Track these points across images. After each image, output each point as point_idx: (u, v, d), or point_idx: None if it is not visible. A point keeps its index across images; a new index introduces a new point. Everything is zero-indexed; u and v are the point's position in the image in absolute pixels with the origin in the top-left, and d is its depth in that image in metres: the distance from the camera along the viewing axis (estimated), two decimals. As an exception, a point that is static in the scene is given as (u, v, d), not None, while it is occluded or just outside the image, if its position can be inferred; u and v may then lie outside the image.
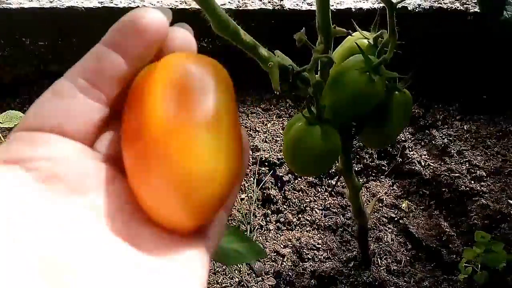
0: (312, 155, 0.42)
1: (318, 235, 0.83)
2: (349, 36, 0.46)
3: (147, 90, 0.21)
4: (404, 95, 0.46)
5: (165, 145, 0.20)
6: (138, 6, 0.87)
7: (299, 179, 0.88)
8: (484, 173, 0.85)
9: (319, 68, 0.45)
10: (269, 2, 0.85)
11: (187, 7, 0.85)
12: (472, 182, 0.85)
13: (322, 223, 0.83)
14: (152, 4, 0.87)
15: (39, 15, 0.87)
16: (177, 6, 0.86)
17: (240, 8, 0.85)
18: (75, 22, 0.88)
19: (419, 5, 0.85)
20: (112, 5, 0.87)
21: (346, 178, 0.57)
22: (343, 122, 0.46)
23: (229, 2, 0.85)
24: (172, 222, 0.20)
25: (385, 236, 0.82)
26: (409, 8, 0.85)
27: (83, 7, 0.86)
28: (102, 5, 0.87)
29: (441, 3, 0.86)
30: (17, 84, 0.98)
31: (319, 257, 0.79)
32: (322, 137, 0.41)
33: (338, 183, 0.87)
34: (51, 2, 0.87)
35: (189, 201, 0.20)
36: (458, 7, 0.86)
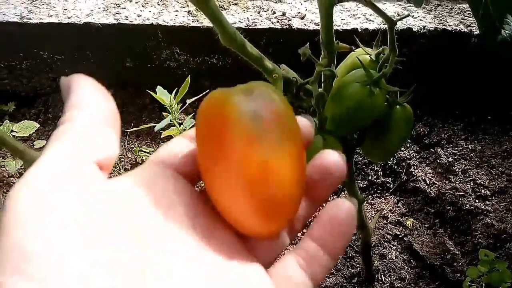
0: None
1: (322, 250, 0.83)
2: (352, 52, 0.48)
3: (225, 121, 0.24)
4: (404, 109, 0.47)
5: (250, 168, 0.23)
6: (152, 24, 0.91)
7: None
8: (488, 192, 0.86)
9: (322, 81, 0.47)
10: (278, 22, 0.88)
11: (198, 25, 0.88)
12: (477, 201, 0.85)
13: (326, 239, 0.84)
14: (166, 22, 0.91)
15: (57, 30, 0.91)
16: (189, 24, 0.89)
17: (249, 27, 0.88)
18: (91, 37, 0.92)
19: (424, 26, 0.88)
20: (127, 21, 0.90)
21: (349, 191, 0.58)
22: (345, 134, 0.47)
23: (239, 21, 0.88)
24: (256, 232, 0.25)
25: (390, 253, 0.82)
26: (414, 30, 0.87)
27: (100, 23, 0.90)
28: (117, 22, 0.90)
29: (445, 25, 0.88)
30: (34, 95, 1.01)
31: (323, 272, 0.80)
32: (324, 147, 0.42)
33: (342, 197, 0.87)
34: (69, 18, 0.91)
35: (270, 218, 0.24)
36: (462, 29, 0.88)
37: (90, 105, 0.22)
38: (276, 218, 0.24)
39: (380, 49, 0.47)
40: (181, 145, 0.26)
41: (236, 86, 0.25)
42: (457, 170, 0.90)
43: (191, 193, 0.24)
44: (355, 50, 0.47)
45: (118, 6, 0.94)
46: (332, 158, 0.25)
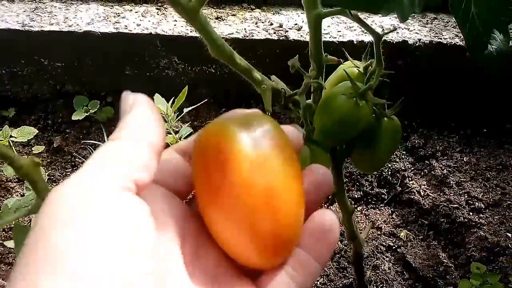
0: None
1: (316, 260, 0.83)
2: (342, 65, 0.49)
3: (224, 151, 0.24)
4: (392, 121, 0.48)
5: (249, 201, 0.23)
6: (150, 33, 0.92)
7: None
8: (483, 205, 0.86)
9: (311, 93, 0.48)
10: (275, 33, 0.89)
11: (196, 35, 0.90)
12: (471, 213, 0.85)
13: (319, 249, 0.84)
14: (164, 31, 0.92)
15: (58, 38, 0.93)
16: (187, 33, 0.91)
17: (247, 38, 0.89)
18: (91, 45, 0.93)
19: (420, 39, 0.89)
20: (126, 31, 0.92)
21: (339, 201, 0.58)
22: (333, 144, 0.48)
23: (237, 31, 0.90)
24: (255, 264, 0.25)
25: (383, 265, 0.82)
26: (409, 42, 0.88)
27: (100, 32, 0.92)
28: (117, 31, 0.92)
29: (441, 38, 0.89)
30: (34, 101, 1.03)
31: (315, 282, 0.80)
32: (310, 158, 0.43)
33: (334, 208, 0.88)
34: (69, 26, 0.93)
35: (270, 249, 0.24)
36: (457, 42, 0.89)
37: (140, 129, 0.24)
38: (283, 250, 0.25)
39: (368, 62, 0.47)
40: (172, 161, 0.27)
41: (232, 117, 0.26)
42: (451, 182, 0.90)
43: (183, 213, 0.25)
44: (344, 63, 0.48)
45: (118, 16, 0.96)
46: (321, 172, 0.27)
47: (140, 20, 0.95)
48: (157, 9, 0.99)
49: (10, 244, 0.77)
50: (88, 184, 0.21)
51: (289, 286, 0.25)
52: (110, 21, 0.94)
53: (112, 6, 0.99)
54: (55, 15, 0.96)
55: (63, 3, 1.00)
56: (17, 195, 0.88)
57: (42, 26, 0.93)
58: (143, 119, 0.24)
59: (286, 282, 0.25)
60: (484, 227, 0.83)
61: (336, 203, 0.88)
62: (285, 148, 0.25)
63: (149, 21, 0.95)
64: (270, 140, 0.24)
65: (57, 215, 0.19)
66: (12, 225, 0.83)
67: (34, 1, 1.01)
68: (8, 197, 0.87)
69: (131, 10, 0.98)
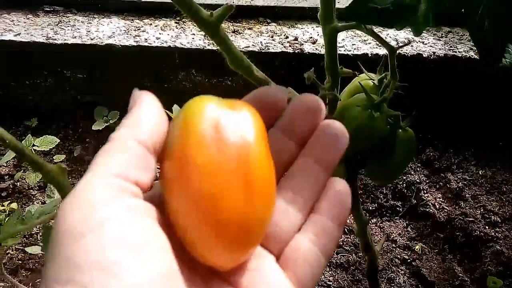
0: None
1: (330, 272, 0.83)
2: (356, 77, 0.50)
3: (186, 137, 0.22)
4: (406, 133, 0.49)
5: (205, 190, 0.21)
6: (169, 46, 0.95)
7: (313, 215, 0.90)
8: (498, 219, 0.85)
9: (327, 104, 0.49)
10: (290, 46, 0.91)
11: (214, 48, 0.92)
12: (487, 227, 0.84)
13: (334, 260, 0.84)
14: (183, 45, 0.95)
15: (80, 50, 0.96)
16: (205, 47, 0.93)
17: (263, 51, 0.91)
18: (112, 57, 0.96)
19: (434, 52, 0.89)
20: (146, 44, 0.95)
21: (353, 212, 0.59)
22: (348, 156, 0.49)
23: (253, 44, 0.92)
24: (216, 262, 0.22)
25: (397, 278, 0.82)
26: (424, 55, 0.89)
27: (120, 44, 0.95)
28: (137, 44, 0.95)
29: (455, 52, 0.90)
30: (55, 111, 1.06)
31: (330, 293, 0.80)
32: (325, 167, 0.44)
33: (350, 221, 0.88)
34: (92, 39, 0.96)
35: (230, 245, 0.22)
36: (472, 56, 0.89)
37: (141, 128, 0.23)
38: (249, 244, 0.23)
39: (383, 74, 0.48)
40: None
41: (208, 97, 0.24)
42: (467, 195, 0.90)
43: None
44: (359, 76, 0.49)
45: (139, 29, 0.99)
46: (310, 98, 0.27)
47: (160, 33, 0.98)
48: (176, 22, 1.02)
49: (31, 250, 0.79)
50: (91, 195, 0.20)
51: (313, 251, 0.25)
52: (130, 34, 0.97)
53: (132, 20, 1.02)
54: (78, 29, 0.99)
55: (85, 17, 1.04)
56: (38, 203, 0.90)
57: (65, 39, 0.96)
58: (145, 119, 0.23)
59: (309, 248, 0.25)
60: (500, 241, 0.82)
61: (351, 215, 0.89)
62: (261, 136, 0.23)
63: (168, 34, 0.97)
64: (243, 124, 0.23)
65: (70, 225, 0.19)
66: (33, 232, 0.85)
67: (58, 15, 1.05)
68: (30, 204, 0.89)
69: (151, 24, 1.01)
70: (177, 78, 0.98)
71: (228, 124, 0.22)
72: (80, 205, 0.20)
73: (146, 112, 0.24)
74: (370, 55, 0.88)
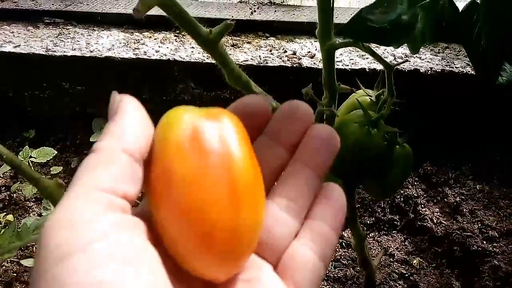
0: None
1: (328, 286, 0.83)
2: (354, 93, 0.51)
3: (164, 149, 0.22)
4: (403, 149, 0.49)
5: (191, 202, 0.21)
6: (169, 59, 0.95)
7: (310, 228, 0.89)
8: (496, 234, 0.85)
9: (324, 120, 0.49)
10: (288, 60, 0.92)
11: (213, 61, 0.93)
12: (484, 242, 0.84)
13: (331, 275, 0.84)
14: (182, 58, 0.95)
15: (79, 62, 0.96)
16: (204, 60, 0.94)
17: (261, 65, 0.92)
18: (111, 70, 0.97)
19: (431, 68, 0.90)
20: (145, 57, 0.95)
21: (351, 227, 0.59)
22: (346, 171, 0.49)
23: (251, 58, 0.92)
24: (209, 275, 0.22)
25: (395, 292, 0.82)
26: (421, 71, 0.89)
27: (120, 57, 0.95)
28: (136, 56, 0.95)
29: (452, 67, 0.90)
30: (53, 123, 1.06)
31: (327, 309, 0.79)
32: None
33: (347, 235, 0.88)
34: (91, 52, 0.96)
35: (221, 256, 0.21)
36: (469, 71, 0.90)
37: (127, 138, 0.22)
38: (240, 255, 0.22)
39: (380, 91, 0.49)
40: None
41: (188, 107, 0.23)
42: (464, 210, 0.90)
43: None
44: (357, 92, 0.50)
45: (138, 42, 1.00)
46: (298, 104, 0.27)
47: (159, 46, 0.98)
48: (175, 36, 1.03)
49: (26, 262, 0.78)
50: (77, 212, 0.20)
51: (311, 258, 0.25)
52: (130, 47, 0.97)
53: (132, 33, 1.03)
54: (78, 41, 1.00)
55: (85, 29, 1.04)
56: (34, 215, 0.89)
57: (65, 51, 0.96)
58: (129, 128, 0.22)
59: (307, 254, 0.25)
60: (498, 256, 0.82)
61: (348, 229, 0.88)
62: (244, 142, 0.23)
63: (167, 47, 0.98)
64: (223, 130, 0.22)
65: (53, 246, 0.19)
66: (28, 244, 0.85)
67: (58, 27, 1.05)
68: (26, 216, 0.89)
69: (150, 37, 1.02)
70: (175, 90, 0.99)
71: (207, 131, 0.22)
72: (66, 223, 0.19)
73: (130, 119, 0.23)
74: (367, 70, 0.89)
